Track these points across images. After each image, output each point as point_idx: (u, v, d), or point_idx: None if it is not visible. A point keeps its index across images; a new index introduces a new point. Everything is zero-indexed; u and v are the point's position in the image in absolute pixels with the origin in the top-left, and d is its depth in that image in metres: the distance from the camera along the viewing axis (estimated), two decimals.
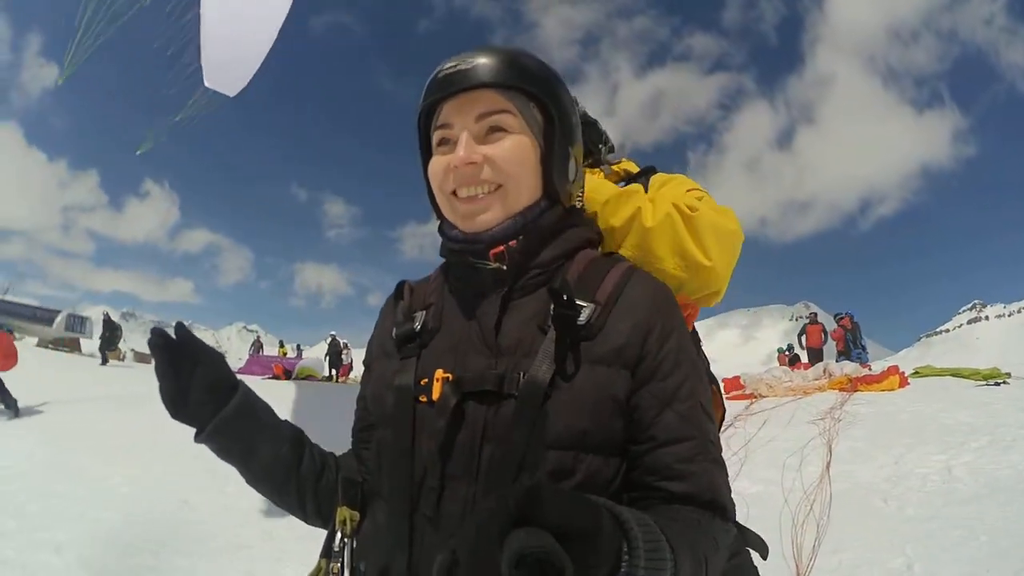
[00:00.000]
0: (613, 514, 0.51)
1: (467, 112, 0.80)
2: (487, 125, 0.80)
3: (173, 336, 0.82)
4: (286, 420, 0.93)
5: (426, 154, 0.87)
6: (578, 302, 0.75)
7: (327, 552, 0.84)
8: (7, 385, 8.01)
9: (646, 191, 1.10)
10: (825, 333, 15.13)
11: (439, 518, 0.73)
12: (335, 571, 0.81)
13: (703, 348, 1.22)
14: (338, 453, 0.97)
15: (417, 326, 0.84)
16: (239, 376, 0.89)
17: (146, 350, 1.01)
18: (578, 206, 0.92)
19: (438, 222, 0.90)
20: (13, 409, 7.92)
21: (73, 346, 22.25)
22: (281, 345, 25.72)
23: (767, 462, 5.37)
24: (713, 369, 1.14)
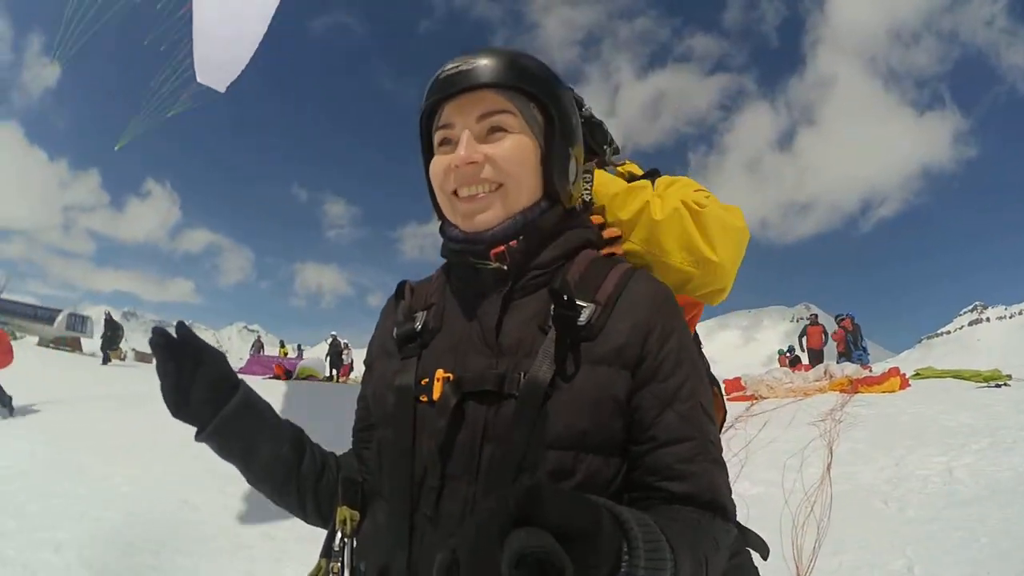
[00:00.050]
0: (613, 514, 0.51)
1: (468, 112, 0.80)
2: (488, 125, 0.80)
3: (174, 335, 0.82)
4: (287, 420, 0.93)
5: (428, 155, 0.88)
6: (578, 302, 0.75)
7: (327, 552, 0.84)
8: (2, 383, 7.94)
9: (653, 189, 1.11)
10: (826, 334, 15.11)
11: (439, 517, 0.73)
12: (335, 571, 0.81)
13: (703, 350, 1.23)
14: (338, 453, 0.97)
15: (418, 326, 0.85)
16: (240, 376, 0.89)
17: (147, 349, 1.01)
18: (586, 199, 0.92)
19: (439, 223, 0.90)
20: (8, 407, 7.86)
21: (74, 345, 22.28)
22: (282, 345, 25.73)
23: (768, 463, 5.37)
24: (714, 370, 1.14)
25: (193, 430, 0.84)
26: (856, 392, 8.42)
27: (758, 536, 1.03)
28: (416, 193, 0.92)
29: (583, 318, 0.75)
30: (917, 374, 10.06)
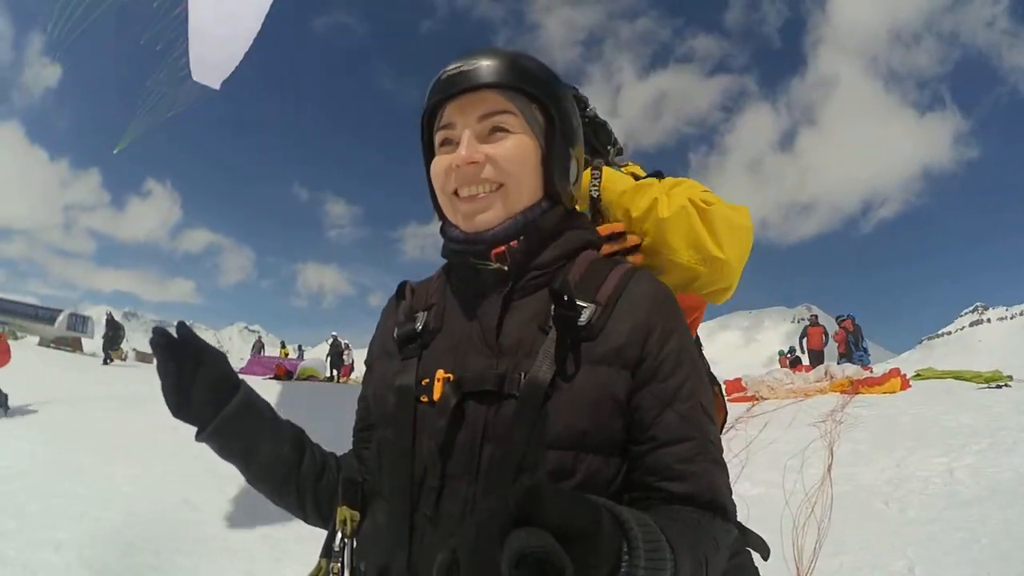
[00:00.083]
0: (613, 514, 0.51)
1: (469, 112, 0.81)
2: (489, 125, 0.81)
3: (175, 335, 0.83)
4: (287, 420, 0.93)
5: (429, 155, 0.88)
6: (579, 303, 0.76)
7: (327, 552, 0.84)
8: None
9: None
10: (826, 335, 15.11)
11: (439, 517, 0.73)
12: (335, 571, 0.81)
13: (704, 352, 1.23)
14: (338, 453, 0.97)
15: (418, 326, 0.85)
16: (240, 376, 0.89)
17: (148, 349, 1.01)
18: (595, 196, 0.92)
19: (440, 223, 0.90)
20: (4, 406, 7.83)
21: (75, 345, 22.30)
22: (283, 346, 25.75)
23: (768, 464, 5.37)
24: (714, 371, 1.14)
25: (193, 430, 0.84)
26: (857, 393, 8.42)
27: (758, 536, 1.03)
28: (417, 193, 0.92)
29: (583, 318, 0.75)
30: (918, 375, 10.05)
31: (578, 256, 0.85)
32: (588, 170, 1.10)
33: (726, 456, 0.81)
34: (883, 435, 6.22)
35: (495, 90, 0.80)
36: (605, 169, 1.09)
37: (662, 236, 1.02)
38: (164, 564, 3.78)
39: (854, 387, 8.69)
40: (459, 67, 0.81)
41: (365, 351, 0.98)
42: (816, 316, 16.40)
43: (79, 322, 26.57)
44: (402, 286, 0.93)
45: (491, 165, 0.80)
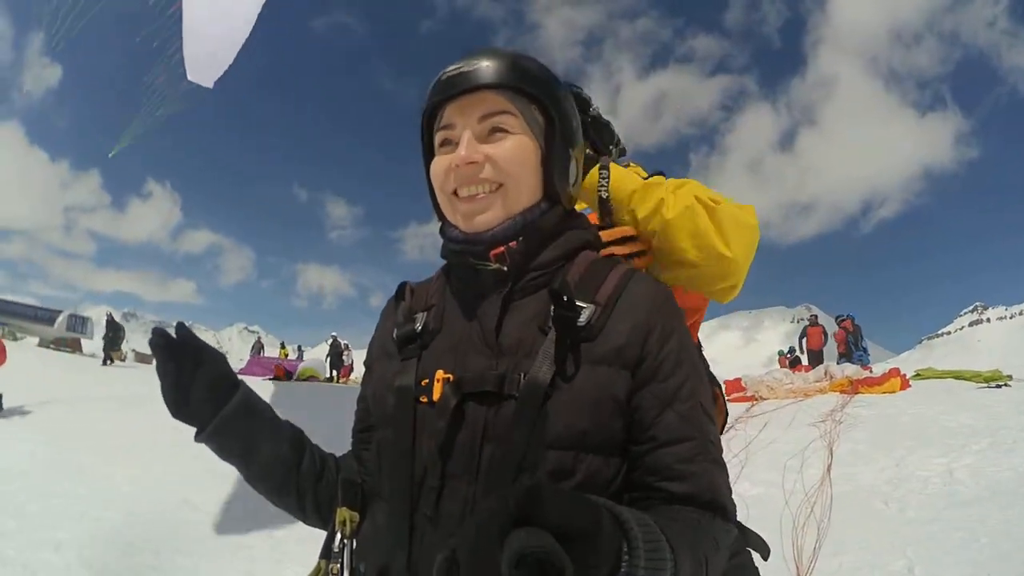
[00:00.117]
0: (613, 514, 0.51)
1: (469, 113, 0.81)
2: (489, 126, 0.81)
3: (174, 336, 0.83)
4: (287, 420, 0.93)
5: (429, 156, 0.88)
6: (578, 303, 0.76)
7: (326, 553, 0.84)
8: None
9: None
10: (826, 335, 15.11)
11: (439, 518, 0.73)
12: (334, 572, 0.81)
13: (704, 353, 1.23)
14: (338, 454, 0.97)
15: (418, 327, 0.85)
16: (240, 377, 0.89)
17: (147, 350, 1.01)
18: (603, 196, 0.92)
19: (439, 224, 0.90)
20: None
21: (74, 346, 22.30)
22: (283, 347, 25.75)
23: (768, 464, 5.37)
24: (714, 371, 1.14)
25: (193, 430, 0.84)
26: (856, 393, 8.42)
27: (758, 536, 1.03)
28: (417, 193, 0.92)
29: (583, 319, 0.75)
30: (917, 375, 10.05)
31: (577, 256, 0.85)
32: (596, 168, 1.10)
33: (726, 456, 0.81)
34: (883, 435, 6.22)
35: (495, 91, 0.80)
36: (613, 167, 1.09)
37: (669, 236, 1.02)
38: (164, 564, 3.78)
39: (854, 387, 8.69)
40: (459, 68, 0.81)
41: (365, 352, 0.98)
42: (816, 316, 16.41)
43: (78, 323, 26.58)
44: (401, 287, 0.93)
45: (490, 165, 0.80)
